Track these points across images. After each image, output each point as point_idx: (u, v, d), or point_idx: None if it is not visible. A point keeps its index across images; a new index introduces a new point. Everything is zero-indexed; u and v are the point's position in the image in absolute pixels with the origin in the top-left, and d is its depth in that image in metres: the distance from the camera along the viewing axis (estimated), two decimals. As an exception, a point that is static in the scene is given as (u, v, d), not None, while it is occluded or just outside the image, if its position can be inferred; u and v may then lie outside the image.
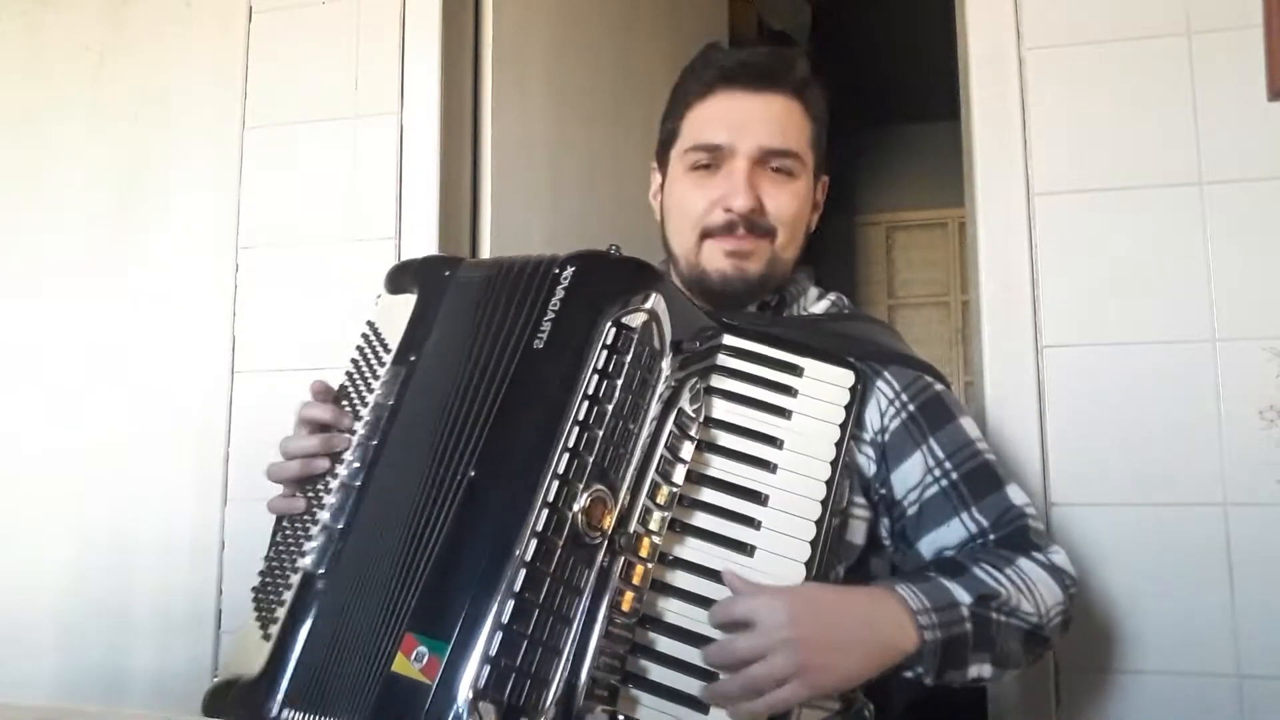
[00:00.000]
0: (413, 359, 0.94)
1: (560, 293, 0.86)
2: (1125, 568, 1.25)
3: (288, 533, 0.94)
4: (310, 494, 0.93)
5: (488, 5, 1.63)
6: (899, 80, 3.83)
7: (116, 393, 1.60)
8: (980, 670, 0.90)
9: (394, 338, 0.97)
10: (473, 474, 0.81)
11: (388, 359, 0.96)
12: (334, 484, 0.92)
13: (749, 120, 1.05)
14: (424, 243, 1.50)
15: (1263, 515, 1.22)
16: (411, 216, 1.51)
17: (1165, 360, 1.27)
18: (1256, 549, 1.22)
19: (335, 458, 0.93)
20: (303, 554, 0.89)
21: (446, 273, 0.99)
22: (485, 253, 1.59)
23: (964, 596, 0.89)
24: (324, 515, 0.90)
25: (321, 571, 0.87)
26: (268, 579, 0.93)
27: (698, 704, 0.80)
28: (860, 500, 1.01)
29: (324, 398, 0.97)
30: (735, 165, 1.05)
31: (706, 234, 1.06)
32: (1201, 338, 1.26)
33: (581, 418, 0.80)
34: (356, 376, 0.99)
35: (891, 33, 3.48)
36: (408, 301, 0.99)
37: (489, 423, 0.83)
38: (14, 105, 1.72)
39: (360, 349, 1.01)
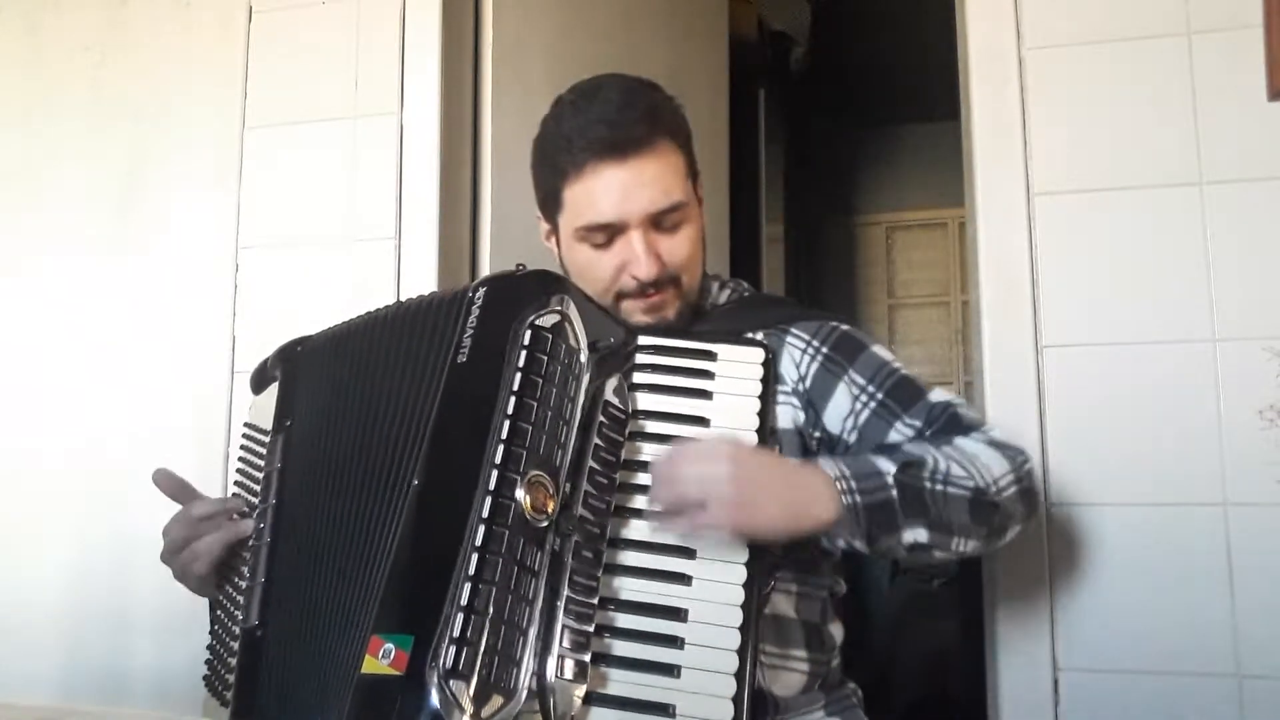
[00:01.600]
0: (289, 423, 1.02)
1: (476, 311, 0.92)
2: (1125, 568, 1.25)
3: (219, 614, 1.02)
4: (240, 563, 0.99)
5: (488, 5, 1.63)
6: (899, 80, 3.83)
7: (117, 392, 1.60)
8: (915, 535, 0.93)
9: (270, 422, 1.04)
10: (417, 482, 0.85)
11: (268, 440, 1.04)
12: (246, 553, 0.98)
13: (630, 190, 1.04)
14: (424, 243, 1.50)
15: (1263, 515, 1.22)
16: (411, 216, 1.51)
17: (1165, 360, 1.27)
18: (1256, 549, 1.22)
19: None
20: (237, 621, 0.94)
21: (299, 348, 1.08)
22: (485, 252, 1.59)
23: (888, 466, 0.94)
24: (246, 579, 0.95)
25: (257, 622, 0.92)
26: (214, 660, 1.01)
27: (666, 669, 0.84)
28: (794, 458, 1.03)
29: (177, 488, 1.04)
30: (630, 235, 1.05)
31: (620, 296, 1.08)
32: (1201, 338, 1.26)
33: (510, 412, 0.84)
34: (246, 469, 1.07)
35: (891, 33, 3.48)
36: (273, 390, 1.07)
37: (427, 435, 0.87)
38: (14, 105, 1.73)
39: (244, 447, 1.09)
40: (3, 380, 1.66)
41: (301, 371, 1.06)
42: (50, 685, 1.56)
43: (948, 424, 1.03)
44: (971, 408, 1.06)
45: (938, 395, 1.06)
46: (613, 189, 1.05)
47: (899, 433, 1.03)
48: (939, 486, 0.94)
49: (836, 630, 1.07)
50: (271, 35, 1.62)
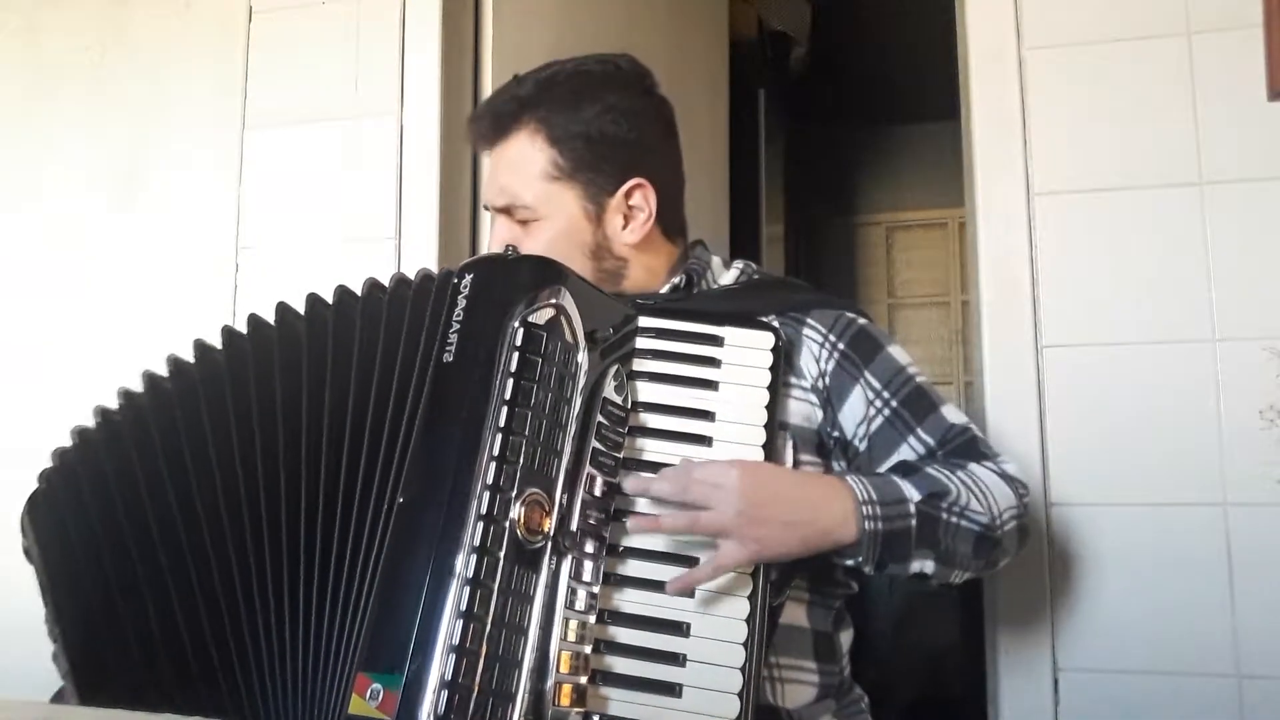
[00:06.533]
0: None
1: (462, 302, 0.85)
2: (1125, 567, 1.25)
3: None
4: None
5: (488, 5, 1.63)
6: (899, 80, 3.83)
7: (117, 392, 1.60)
8: (923, 566, 0.93)
9: None
10: (401, 500, 0.79)
11: None
12: None
13: (490, 179, 1.12)
14: (424, 243, 1.50)
15: (1263, 515, 1.22)
16: (411, 216, 1.51)
17: (1165, 360, 1.27)
18: (1256, 549, 1.22)
19: None
20: None
21: (32, 510, 1.08)
22: (484, 252, 1.58)
23: (913, 493, 0.91)
24: None
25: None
26: None
27: (667, 688, 0.81)
28: (810, 457, 1.01)
29: None
30: (494, 224, 1.13)
31: None
32: (1201, 338, 1.26)
33: (503, 424, 0.79)
34: None
35: (891, 33, 3.48)
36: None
37: (409, 444, 0.81)
38: (13, 105, 1.72)
39: None
40: (2, 382, 1.66)
41: (44, 522, 1.07)
42: (50, 685, 1.55)
43: (964, 448, 1.01)
44: (979, 432, 1.04)
45: (951, 412, 1.03)
46: (486, 169, 1.14)
47: (911, 448, 1.00)
48: (954, 519, 0.93)
49: (846, 638, 1.05)
50: (271, 35, 1.62)
